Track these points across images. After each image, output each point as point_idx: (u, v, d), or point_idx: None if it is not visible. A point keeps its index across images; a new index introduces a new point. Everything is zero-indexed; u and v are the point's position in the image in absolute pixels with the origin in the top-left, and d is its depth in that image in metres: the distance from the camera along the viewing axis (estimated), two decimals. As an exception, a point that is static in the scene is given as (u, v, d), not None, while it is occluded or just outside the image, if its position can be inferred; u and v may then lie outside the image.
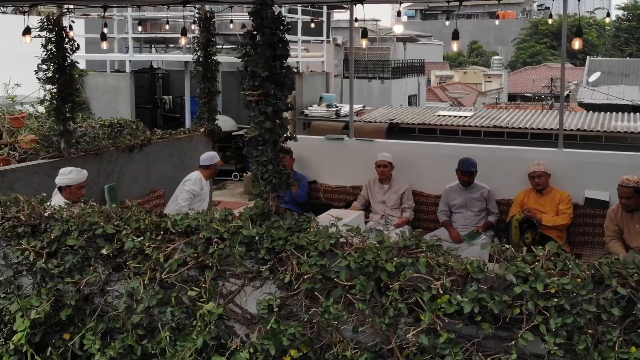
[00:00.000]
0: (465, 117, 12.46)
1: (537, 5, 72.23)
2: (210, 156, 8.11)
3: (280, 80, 4.30)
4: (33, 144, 8.97)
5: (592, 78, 41.24)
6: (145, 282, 4.18)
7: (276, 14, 4.31)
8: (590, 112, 15.10)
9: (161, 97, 13.62)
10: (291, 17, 12.80)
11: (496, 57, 50.81)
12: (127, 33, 12.43)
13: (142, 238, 4.28)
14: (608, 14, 40.00)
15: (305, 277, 3.86)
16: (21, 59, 15.59)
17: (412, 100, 29.14)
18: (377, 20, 41.36)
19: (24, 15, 7.61)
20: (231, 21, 11.76)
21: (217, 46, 10.29)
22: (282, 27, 4.28)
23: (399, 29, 28.40)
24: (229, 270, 4.18)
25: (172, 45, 13.44)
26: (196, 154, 9.11)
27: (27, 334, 4.27)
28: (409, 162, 8.30)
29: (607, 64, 44.11)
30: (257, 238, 4.06)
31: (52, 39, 7.16)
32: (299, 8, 11.59)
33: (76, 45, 7.32)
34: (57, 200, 6.18)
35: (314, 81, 13.44)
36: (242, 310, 4.21)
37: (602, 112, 14.62)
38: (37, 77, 7.23)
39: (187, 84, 11.99)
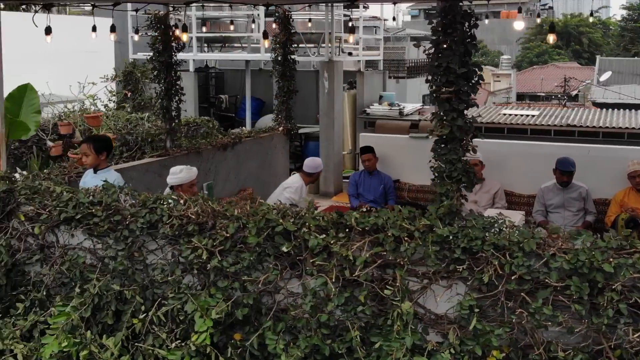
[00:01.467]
0: (533, 115, 12.47)
1: (541, 5, 72.26)
2: (316, 164, 7.99)
3: (470, 77, 4.29)
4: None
5: (604, 77, 41.27)
6: (333, 281, 4.15)
7: (467, 10, 4.30)
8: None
9: (218, 96, 13.60)
10: (349, 15, 12.80)
11: (505, 56, 50.83)
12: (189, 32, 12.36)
13: (324, 235, 4.25)
14: (592, 13, 39.94)
15: (512, 277, 3.83)
16: (44, 58, 15.58)
17: (426, 99, 29.16)
18: (385, 20, 41.40)
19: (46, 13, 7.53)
20: (310, 20, 11.76)
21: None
22: (470, 23, 4.27)
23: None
24: (414, 270, 4.16)
25: (227, 45, 13.38)
26: (276, 152, 9.11)
27: (210, 335, 4.23)
28: (498, 161, 8.29)
29: (618, 64, 44.22)
30: (450, 237, 4.04)
31: (159, 37, 7.12)
32: (361, 5, 11.57)
33: (182, 44, 7.28)
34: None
35: (372, 79, 13.42)
36: (424, 310, 4.19)
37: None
38: (146, 77, 7.21)
39: (248, 84, 11.96)
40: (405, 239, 4.12)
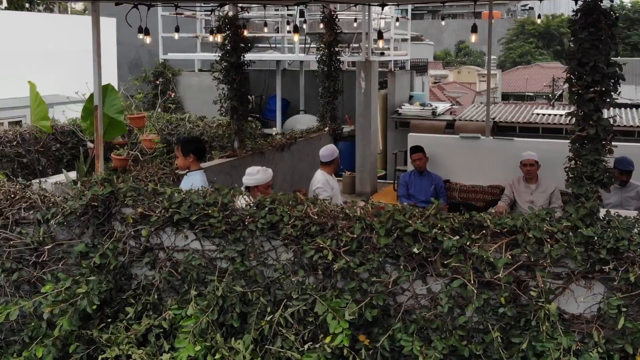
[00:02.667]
0: (562, 115, 12.57)
1: (521, 6, 72.93)
2: (331, 151, 7.78)
3: (614, 76, 4.31)
4: (152, 144, 8.90)
5: (589, 78, 41.58)
6: (471, 282, 4.15)
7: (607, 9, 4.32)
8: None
9: (247, 96, 13.49)
10: (383, 16, 12.81)
11: (491, 56, 51.07)
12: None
13: (458, 237, 4.25)
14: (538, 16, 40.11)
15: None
16: (44, 58, 15.45)
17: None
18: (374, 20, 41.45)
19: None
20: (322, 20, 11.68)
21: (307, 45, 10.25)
22: (611, 22, 4.29)
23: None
24: (554, 271, 4.18)
25: (256, 45, 13.30)
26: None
27: (346, 336, 4.21)
28: (551, 160, 8.31)
29: (602, 64, 44.65)
30: (595, 238, 4.06)
31: (229, 37, 7.07)
32: (391, 5, 11.57)
33: (249, 45, 7.24)
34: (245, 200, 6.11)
35: (402, 79, 13.44)
36: (558, 310, 4.21)
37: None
38: (214, 77, 7.15)
39: (279, 83, 11.89)
40: (547, 240, 4.13)
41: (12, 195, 5.22)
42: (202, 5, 8.19)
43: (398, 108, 13.05)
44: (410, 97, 13.39)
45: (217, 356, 4.28)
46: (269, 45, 13.61)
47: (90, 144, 9.72)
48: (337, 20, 9.22)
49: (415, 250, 4.30)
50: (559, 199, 8.21)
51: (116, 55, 22.54)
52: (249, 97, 13.35)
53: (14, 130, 9.10)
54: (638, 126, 12.59)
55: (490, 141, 8.67)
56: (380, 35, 9.54)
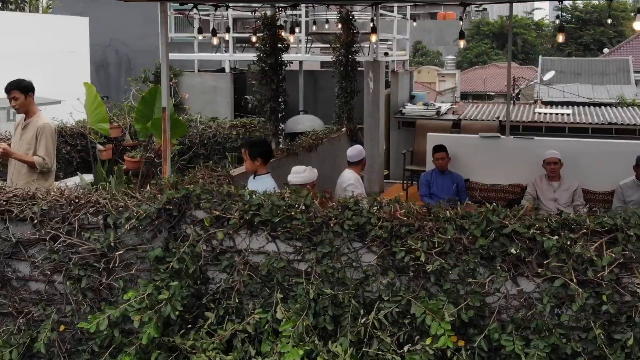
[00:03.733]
0: (568, 114, 12.79)
1: (475, 7, 74.07)
2: (358, 150, 7.86)
3: None
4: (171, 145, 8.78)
5: (547, 77, 42.57)
6: (573, 282, 4.19)
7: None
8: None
9: (245, 97, 13.36)
10: (390, 16, 12.83)
11: (449, 57, 51.77)
12: (226, 32, 12.14)
13: (557, 237, 4.29)
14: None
15: None
16: (16, 58, 15.07)
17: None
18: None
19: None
20: (327, 21, 11.69)
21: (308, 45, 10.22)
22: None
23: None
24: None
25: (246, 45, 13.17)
26: (342, 153, 9.07)
27: (449, 337, 4.21)
28: (572, 158, 8.48)
29: (559, 63, 45.67)
30: (694, 234, 4.15)
31: (268, 37, 7.00)
32: (395, 6, 11.60)
33: (286, 45, 7.17)
34: None
35: (403, 80, 13.48)
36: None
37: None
38: (253, 78, 7.07)
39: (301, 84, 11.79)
40: (651, 238, 4.20)
41: (77, 200, 5.06)
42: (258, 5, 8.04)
43: (401, 108, 13.10)
44: (412, 96, 13.46)
45: (319, 360, 4.23)
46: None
47: (100, 147, 9.54)
48: (354, 20, 9.20)
49: (513, 250, 4.31)
50: (581, 197, 8.37)
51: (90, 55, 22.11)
52: (246, 97, 13.25)
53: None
54: (597, 123, 12.89)
55: (511, 140, 8.78)
56: (374, 29, 9.54)
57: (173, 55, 12.32)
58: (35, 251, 5.21)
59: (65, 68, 19.17)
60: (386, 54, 12.69)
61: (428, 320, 4.26)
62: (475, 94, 50.98)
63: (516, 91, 46.91)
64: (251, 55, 12.78)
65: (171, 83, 11.19)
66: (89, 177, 8.72)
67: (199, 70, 12.78)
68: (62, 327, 5.02)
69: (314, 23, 11.42)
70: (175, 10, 12.88)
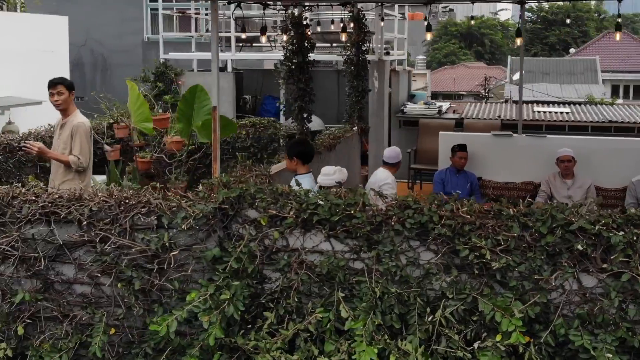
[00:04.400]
0: (567, 112, 12.95)
1: (442, 7, 74.73)
2: (397, 152, 7.93)
3: None
4: (180, 146, 8.73)
5: (517, 76, 43.14)
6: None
7: None
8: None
9: (243, 96, 13.29)
10: (391, 15, 12.86)
11: (420, 57, 52.13)
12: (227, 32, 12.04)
13: (623, 232, 4.35)
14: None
15: None
16: None
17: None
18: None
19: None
20: (332, 21, 11.68)
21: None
22: None
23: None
24: None
25: (253, 45, 13.06)
26: (355, 151, 9.10)
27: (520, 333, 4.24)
28: (583, 156, 8.61)
29: (528, 63, 46.31)
30: None
31: (294, 36, 6.97)
32: (396, 5, 11.65)
33: (312, 44, 7.16)
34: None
35: (403, 79, 13.52)
36: None
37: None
38: (280, 78, 7.04)
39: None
40: None
41: (126, 201, 4.99)
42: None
43: (403, 107, 13.15)
44: (412, 95, 13.51)
45: (392, 358, 4.22)
46: (269, 45, 13.46)
47: (107, 147, 9.41)
48: (364, 20, 9.22)
49: (579, 247, 4.37)
50: (594, 194, 8.50)
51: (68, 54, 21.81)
52: (244, 97, 13.20)
53: (35, 134, 8.69)
54: (567, 120, 13.17)
55: (523, 139, 8.88)
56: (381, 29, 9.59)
57: (172, 55, 12.18)
58: (80, 253, 5.11)
59: (45, 68, 18.86)
60: (387, 53, 12.72)
61: (498, 317, 4.28)
62: (446, 93, 51.39)
63: (487, 90, 47.48)
64: (252, 55, 12.79)
65: (180, 82, 11.10)
66: (99, 178, 8.60)
67: (197, 70, 12.69)
68: (112, 330, 4.94)
69: (319, 24, 11.42)
70: (177, 9, 12.73)
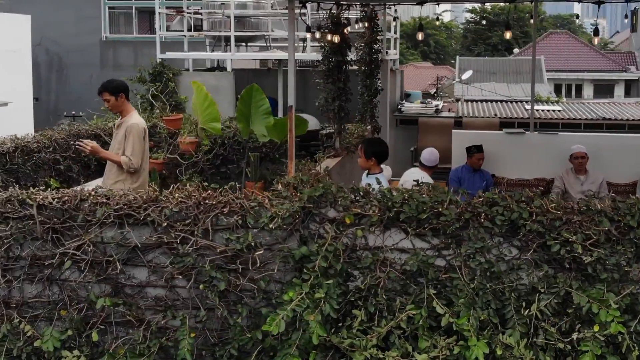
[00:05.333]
0: (559, 110, 13.28)
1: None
2: (436, 156, 8.06)
3: None
4: (194, 146, 8.69)
5: (465, 76, 43.84)
6: None
7: None
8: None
9: (238, 96, 13.10)
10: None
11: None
12: (227, 31, 11.89)
13: None
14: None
15: None
16: None
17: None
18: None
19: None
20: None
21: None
22: None
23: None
24: None
25: (248, 44, 12.94)
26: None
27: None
28: (593, 152, 8.87)
29: (475, 63, 47.18)
30: None
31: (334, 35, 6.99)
32: (392, 6, 11.75)
33: (348, 44, 7.18)
34: None
35: (398, 78, 13.62)
36: None
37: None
38: (318, 78, 7.04)
39: (280, 83, 11.68)
40: None
41: (206, 202, 4.94)
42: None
43: (400, 106, 13.25)
44: (408, 94, 13.64)
45: (499, 352, 4.30)
46: (265, 44, 13.39)
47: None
48: (377, 19, 9.28)
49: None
50: (606, 189, 8.76)
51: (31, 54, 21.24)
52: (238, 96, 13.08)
53: (48, 135, 8.48)
54: (590, 119, 13.61)
55: (535, 136, 9.09)
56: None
57: (171, 54, 12.00)
58: (153, 256, 5.03)
59: (7, 68, 18.36)
60: (387, 52, 12.82)
61: (594, 309, 4.39)
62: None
63: (437, 89, 48.12)
64: (251, 55, 12.70)
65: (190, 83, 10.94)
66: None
67: (193, 70, 12.54)
68: (192, 334, 4.88)
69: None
70: (168, 7, 12.56)
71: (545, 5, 72.16)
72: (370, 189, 4.98)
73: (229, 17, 11.50)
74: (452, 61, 61.36)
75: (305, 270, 4.71)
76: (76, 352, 4.96)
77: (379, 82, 9.37)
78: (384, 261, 4.83)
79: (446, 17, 70.92)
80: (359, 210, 4.84)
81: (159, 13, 11.91)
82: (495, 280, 4.65)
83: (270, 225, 4.76)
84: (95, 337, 4.96)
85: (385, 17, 10.61)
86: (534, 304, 4.53)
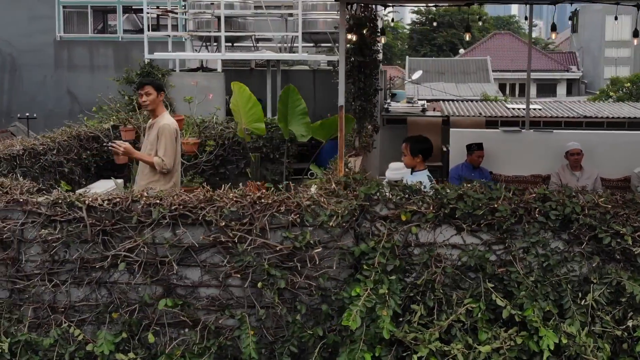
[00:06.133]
0: (539, 109, 13.62)
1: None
2: None
3: None
4: (196, 147, 8.71)
5: (415, 76, 44.42)
6: None
7: None
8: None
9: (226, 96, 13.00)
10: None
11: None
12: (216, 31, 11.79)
13: None
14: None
15: None
16: None
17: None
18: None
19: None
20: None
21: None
22: None
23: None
24: None
25: (234, 44, 12.83)
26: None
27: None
28: (586, 149, 9.20)
29: (425, 63, 47.98)
30: None
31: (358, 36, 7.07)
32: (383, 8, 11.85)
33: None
34: None
35: (383, 78, 13.74)
36: None
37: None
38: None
39: (269, 83, 11.64)
40: None
41: (261, 201, 4.99)
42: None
43: (387, 105, 13.40)
44: (394, 94, 13.79)
45: (564, 341, 4.47)
46: (252, 45, 13.34)
47: (115, 151, 9.15)
48: (376, 20, 9.40)
49: None
50: (600, 184, 9.09)
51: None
52: (227, 97, 12.99)
53: (52, 138, 8.36)
54: (571, 117, 14.06)
55: (531, 134, 9.36)
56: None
57: (159, 55, 11.86)
58: (206, 256, 5.05)
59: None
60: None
61: (648, 297, 4.61)
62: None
63: (388, 89, 48.46)
64: (242, 55, 12.65)
65: (194, 83, 10.85)
66: (109, 183, 8.42)
67: (181, 70, 12.42)
68: (251, 332, 4.91)
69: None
70: (155, 6, 12.42)
71: (487, 7, 73.76)
72: (422, 187, 5.08)
73: (217, 17, 11.46)
74: (399, 61, 62.29)
75: (365, 267, 4.78)
76: (131, 355, 4.93)
77: (377, 82, 9.48)
78: (438, 257, 4.94)
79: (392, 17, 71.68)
80: (415, 208, 4.93)
81: (147, 12, 11.77)
82: (550, 272, 4.81)
83: (330, 223, 4.81)
84: (151, 338, 4.94)
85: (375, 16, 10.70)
86: (589, 294, 4.70)
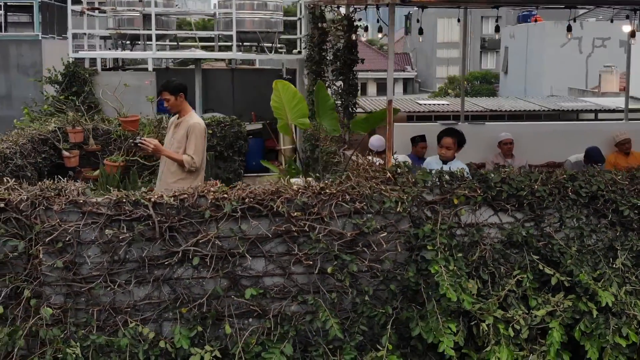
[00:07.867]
0: (447, 104, 14.47)
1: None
2: (382, 142, 8.70)
3: None
4: None
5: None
6: None
7: None
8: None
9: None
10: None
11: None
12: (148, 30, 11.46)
13: None
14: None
15: None
16: None
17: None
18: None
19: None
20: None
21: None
22: None
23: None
24: None
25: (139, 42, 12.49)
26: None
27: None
28: (515, 139, 10.15)
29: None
30: None
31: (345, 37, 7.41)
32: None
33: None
34: None
35: None
36: None
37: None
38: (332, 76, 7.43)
39: (199, 81, 11.52)
40: None
41: (325, 191, 5.26)
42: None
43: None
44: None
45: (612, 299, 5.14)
46: (175, 43, 13.11)
47: (66, 153, 8.99)
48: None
49: None
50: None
51: None
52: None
53: (14, 141, 8.04)
54: (415, 111, 15.16)
55: (466, 126, 10.15)
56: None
57: (84, 54, 11.42)
58: (270, 246, 5.24)
59: None
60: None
61: None
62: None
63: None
64: (171, 54, 12.45)
65: (147, 82, 10.53)
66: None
67: (110, 68, 11.97)
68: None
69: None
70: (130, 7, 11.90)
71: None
72: (465, 173, 5.58)
73: (143, 15, 11.28)
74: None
75: (430, 247, 5.18)
76: (208, 347, 5.01)
77: (356, 79, 9.74)
78: (485, 235, 5.46)
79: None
80: (466, 192, 5.41)
81: (71, 10, 11.32)
82: (583, 242, 5.47)
83: (398, 209, 5.18)
84: (227, 329, 5.05)
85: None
86: (617, 259, 5.41)
